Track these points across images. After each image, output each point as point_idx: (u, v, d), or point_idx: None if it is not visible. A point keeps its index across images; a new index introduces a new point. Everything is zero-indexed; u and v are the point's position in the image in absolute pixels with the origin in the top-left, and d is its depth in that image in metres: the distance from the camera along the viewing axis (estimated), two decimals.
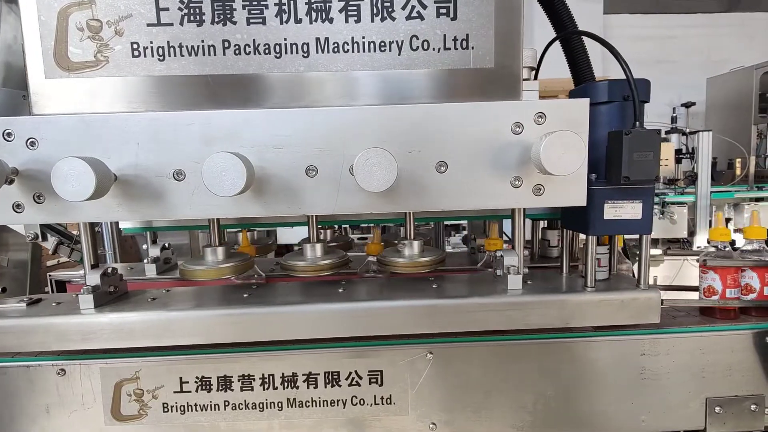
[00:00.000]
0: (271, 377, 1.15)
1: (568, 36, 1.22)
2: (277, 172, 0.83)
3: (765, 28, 7.73)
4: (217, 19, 0.82)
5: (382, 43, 0.84)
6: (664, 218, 4.46)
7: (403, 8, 0.83)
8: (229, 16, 0.82)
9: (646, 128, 0.93)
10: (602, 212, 1.00)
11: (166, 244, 1.40)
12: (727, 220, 4.77)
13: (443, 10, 0.84)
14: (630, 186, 0.98)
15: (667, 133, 5.30)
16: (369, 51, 0.84)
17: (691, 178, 4.76)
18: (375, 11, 0.83)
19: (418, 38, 0.84)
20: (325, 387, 1.16)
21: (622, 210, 1.00)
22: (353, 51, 0.84)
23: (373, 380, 1.16)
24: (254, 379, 1.15)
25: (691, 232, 4.68)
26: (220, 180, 0.73)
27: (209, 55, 0.83)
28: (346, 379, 1.16)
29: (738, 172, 5.21)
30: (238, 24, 0.82)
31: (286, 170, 0.83)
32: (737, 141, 6.67)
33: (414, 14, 0.84)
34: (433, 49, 0.85)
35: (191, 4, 0.81)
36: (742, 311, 1.29)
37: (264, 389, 1.16)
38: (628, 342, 1.16)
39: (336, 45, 0.84)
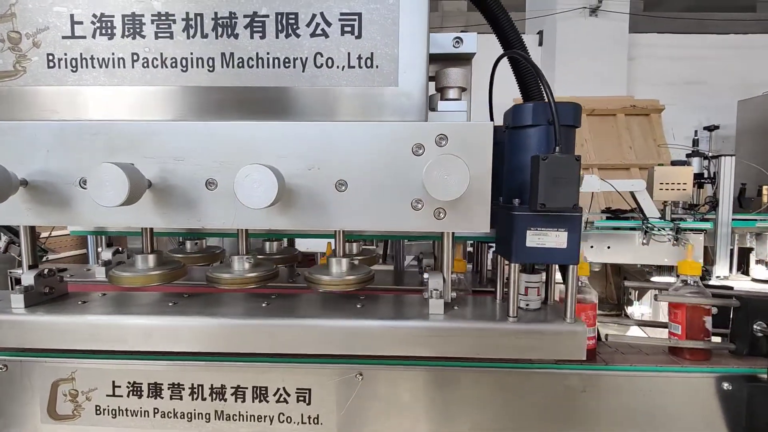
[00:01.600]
0: (200, 388, 1.15)
1: (516, 56, 1.18)
2: (177, 184, 0.84)
3: None
4: (127, 33, 0.84)
5: (287, 60, 0.84)
6: (678, 245, 4.25)
7: (308, 25, 0.83)
8: (138, 30, 0.84)
9: (567, 154, 0.88)
10: (525, 239, 0.95)
11: (120, 248, 1.43)
12: (749, 250, 4.51)
13: (348, 29, 0.83)
14: (554, 213, 0.93)
15: (687, 156, 5.08)
16: (273, 67, 0.84)
17: (712, 204, 4.54)
18: (279, 28, 0.83)
19: (322, 55, 0.84)
20: (253, 402, 1.15)
21: (546, 238, 0.95)
22: (258, 66, 0.84)
23: (301, 398, 1.14)
24: (183, 388, 1.15)
25: (712, 261, 4.45)
26: (103, 190, 0.74)
27: (119, 67, 0.85)
28: (274, 395, 1.15)
29: (765, 199, 4.94)
30: (147, 38, 0.84)
31: (186, 182, 0.83)
32: None
33: (318, 32, 0.83)
34: (338, 66, 0.84)
35: (103, 19, 0.84)
36: (673, 352, 1.21)
37: (193, 399, 1.16)
38: (567, 376, 1.10)
39: (240, 60, 0.84)
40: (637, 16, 7.71)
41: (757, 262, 4.48)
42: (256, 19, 0.83)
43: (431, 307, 1.02)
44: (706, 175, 4.96)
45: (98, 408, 1.16)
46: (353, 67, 0.83)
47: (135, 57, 0.85)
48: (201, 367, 1.14)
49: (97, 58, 0.85)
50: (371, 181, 0.82)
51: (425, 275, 1.08)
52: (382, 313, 1.06)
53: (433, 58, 1.57)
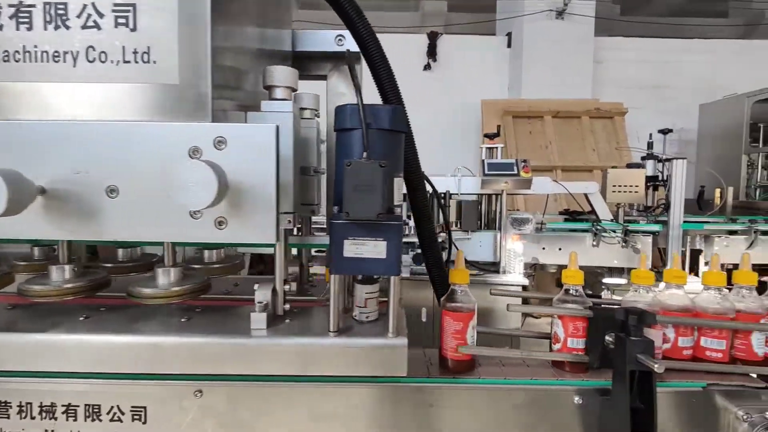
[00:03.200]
0: (28, 405, 1.07)
1: (372, 58, 1.13)
2: None
3: (765, 55, 7.52)
4: None
5: (56, 53, 0.76)
6: (627, 247, 4.28)
7: (78, 16, 0.76)
8: None
9: (372, 160, 0.83)
10: (342, 249, 0.90)
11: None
12: (698, 252, 4.56)
13: (122, 20, 0.76)
14: (372, 222, 0.88)
15: (643, 159, 5.13)
16: (42, 61, 0.77)
17: (665, 207, 4.60)
18: (48, 18, 0.76)
19: (95, 49, 0.77)
20: (85, 420, 1.07)
21: (364, 248, 0.90)
22: (24, 60, 0.77)
23: (136, 417, 1.07)
24: (11, 406, 1.07)
25: (664, 263, 4.48)
26: None
27: None
28: (108, 413, 1.07)
29: (717, 202, 5.01)
30: None
31: None
32: (729, 170, 6.47)
33: (90, 23, 0.76)
34: (112, 61, 0.77)
35: None
36: (556, 365, 1.17)
37: (21, 418, 1.08)
38: (411, 388, 1.06)
39: (6, 54, 0.77)
40: (611, 20, 7.79)
41: (706, 263, 4.53)
42: (22, 8, 0.76)
43: (252, 321, 0.95)
44: (660, 178, 5.01)
45: None
46: (129, 62, 0.76)
47: None
48: (28, 384, 1.06)
49: None
50: (145, 186, 0.75)
51: (255, 285, 1.01)
52: (205, 328, 0.99)
53: (323, 56, 1.51)
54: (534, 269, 4.43)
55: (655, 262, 4.61)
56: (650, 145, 5.19)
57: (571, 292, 1.17)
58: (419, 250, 3.13)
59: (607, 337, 1.07)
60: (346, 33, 1.35)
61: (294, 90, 0.98)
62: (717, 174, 5.10)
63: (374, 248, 0.89)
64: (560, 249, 4.41)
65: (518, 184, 4.14)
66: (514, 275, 3.85)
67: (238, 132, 0.75)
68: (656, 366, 0.91)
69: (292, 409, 1.06)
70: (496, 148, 4.77)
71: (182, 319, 1.02)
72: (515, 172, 4.07)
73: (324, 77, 1.60)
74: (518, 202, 6.21)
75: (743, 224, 4.23)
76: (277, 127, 0.77)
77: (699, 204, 5.71)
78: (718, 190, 5.05)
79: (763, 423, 1.03)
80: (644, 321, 0.97)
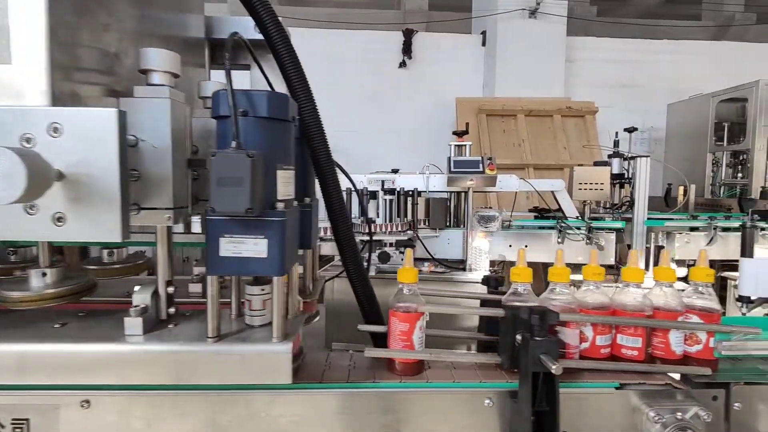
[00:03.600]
0: None
1: (277, 49, 1.06)
2: None
3: (732, 56, 7.69)
4: None
5: None
6: (591, 244, 4.31)
7: None
8: None
9: (240, 150, 0.76)
10: (218, 248, 0.83)
11: None
12: (660, 248, 4.61)
13: None
14: (251, 218, 0.81)
15: (609, 157, 5.17)
16: None
17: (629, 204, 4.65)
18: None
19: None
20: None
21: (243, 246, 0.83)
22: None
23: (18, 429, 0.99)
24: None
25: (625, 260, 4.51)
26: None
27: None
28: None
29: (680, 199, 5.08)
30: None
31: None
32: (695, 168, 6.58)
33: None
34: None
35: None
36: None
37: None
38: (324, 396, 0.99)
39: None
40: (585, 21, 7.86)
41: (672, 260, 4.58)
42: None
43: (126, 327, 0.88)
44: (626, 176, 5.06)
45: None
46: None
47: None
48: None
49: None
50: None
51: (135, 288, 0.93)
52: (79, 334, 0.91)
53: (253, 44, 1.43)
54: (502, 266, 4.43)
55: (624, 259, 4.64)
56: (617, 143, 5.24)
57: (519, 290, 1.13)
58: (385, 249, 3.06)
59: (517, 337, 1.03)
60: None
61: (175, 75, 0.90)
62: (680, 172, 5.19)
63: (254, 246, 0.82)
64: (527, 246, 4.41)
65: (484, 181, 4.12)
66: (480, 272, 3.85)
67: (75, 117, 0.67)
68: (554, 367, 0.86)
69: (189, 417, 0.99)
70: (465, 145, 4.75)
71: (55, 325, 0.93)
72: (480, 169, 4.05)
73: (248, 67, 1.53)
74: (491, 199, 6.22)
75: (704, 221, 4.30)
76: (121, 112, 0.70)
77: (666, 201, 5.79)
78: (681, 188, 5.13)
79: (675, 424, 0.99)
80: (546, 320, 0.93)
